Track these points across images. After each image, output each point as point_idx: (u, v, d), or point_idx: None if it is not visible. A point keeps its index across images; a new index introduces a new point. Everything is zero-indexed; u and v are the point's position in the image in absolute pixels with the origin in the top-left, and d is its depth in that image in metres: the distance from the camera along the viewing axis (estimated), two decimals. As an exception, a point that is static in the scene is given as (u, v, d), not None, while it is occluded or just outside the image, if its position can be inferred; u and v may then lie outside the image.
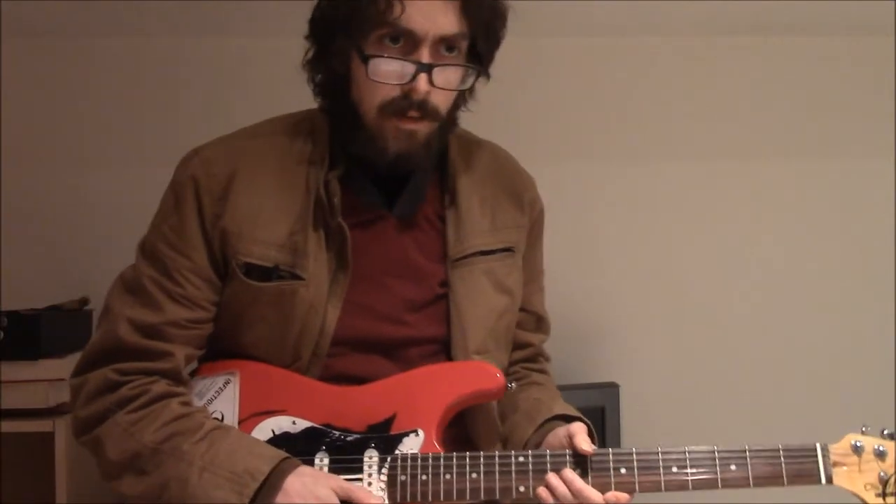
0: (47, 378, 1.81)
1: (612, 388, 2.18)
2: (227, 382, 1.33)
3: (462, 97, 1.35)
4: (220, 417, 1.31)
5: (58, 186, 2.23)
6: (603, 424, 2.13)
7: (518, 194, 1.46)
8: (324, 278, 1.31)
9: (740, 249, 2.36)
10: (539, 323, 1.53)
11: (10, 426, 1.81)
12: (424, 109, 1.26)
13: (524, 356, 1.51)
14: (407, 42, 1.24)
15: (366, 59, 1.24)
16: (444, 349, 1.37)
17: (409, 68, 1.23)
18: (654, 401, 2.32)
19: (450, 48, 1.26)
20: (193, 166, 1.33)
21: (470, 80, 1.31)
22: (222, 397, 1.32)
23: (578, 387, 2.18)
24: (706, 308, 2.35)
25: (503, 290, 1.41)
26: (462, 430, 1.37)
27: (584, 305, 2.31)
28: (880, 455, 1.20)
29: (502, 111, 2.23)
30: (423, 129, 1.28)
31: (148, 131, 2.23)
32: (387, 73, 1.24)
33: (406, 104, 1.25)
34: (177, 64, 2.25)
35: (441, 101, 1.28)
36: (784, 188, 2.37)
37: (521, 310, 1.48)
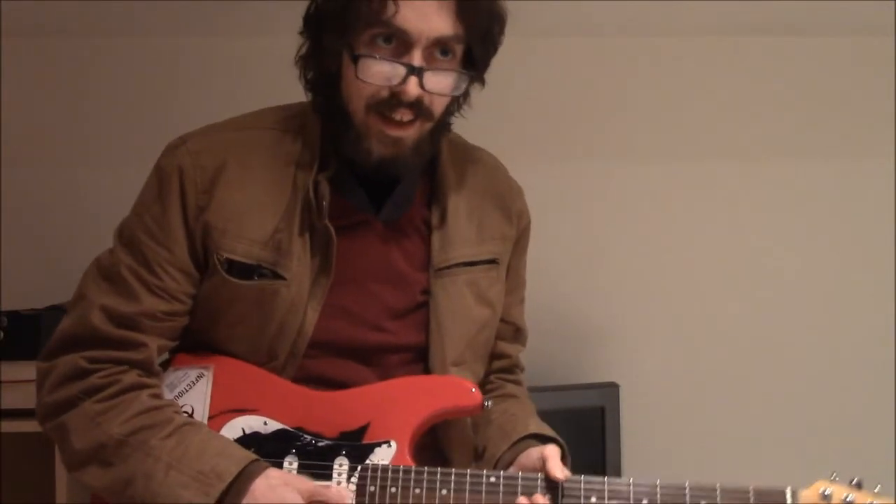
0: (47, 378, 1.81)
1: (612, 388, 2.18)
2: (199, 376, 1.31)
3: (456, 102, 1.32)
4: (189, 411, 1.28)
5: (57, 186, 2.23)
6: (603, 424, 2.13)
7: (507, 205, 1.44)
8: (305, 279, 1.29)
9: (740, 249, 2.36)
10: (517, 334, 1.52)
11: (10, 426, 1.81)
12: (418, 108, 1.23)
13: (500, 367, 1.50)
14: (399, 43, 1.21)
15: (356, 59, 1.22)
16: (421, 358, 1.35)
17: (400, 70, 1.20)
18: (654, 401, 2.32)
19: (444, 51, 1.23)
20: (180, 155, 1.30)
21: (463, 86, 1.27)
22: (194, 391, 1.30)
23: (578, 387, 2.18)
24: (706, 308, 2.35)
25: (485, 303, 1.40)
26: (433, 438, 1.36)
27: (585, 305, 2.31)
28: None
29: (502, 111, 2.23)
30: (411, 134, 1.25)
31: (148, 131, 2.21)
32: (376, 73, 1.21)
33: (394, 102, 1.22)
34: (177, 64, 2.25)
35: (436, 103, 1.25)
36: (784, 188, 2.37)
37: (501, 320, 1.47)
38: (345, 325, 1.32)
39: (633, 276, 2.34)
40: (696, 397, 2.34)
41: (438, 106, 1.26)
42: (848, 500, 1.18)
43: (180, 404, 1.29)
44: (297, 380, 1.31)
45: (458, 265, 1.37)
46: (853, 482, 1.20)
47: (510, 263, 1.46)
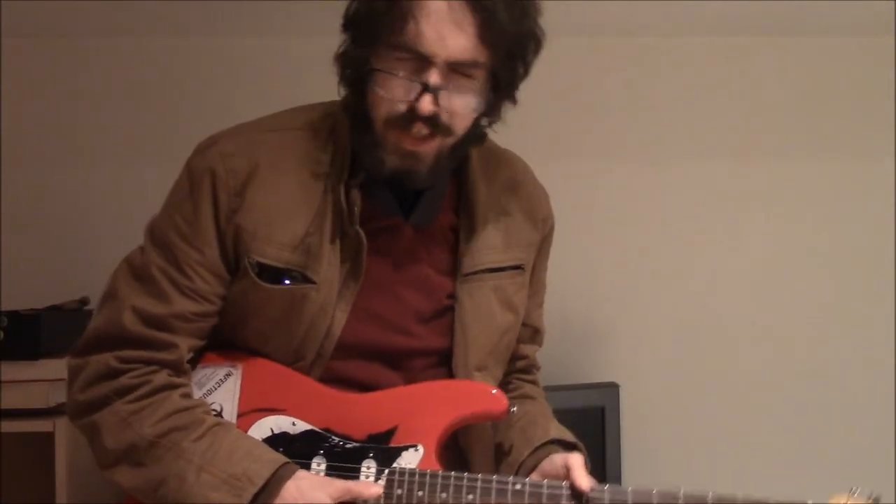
0: (47, 378, 1.81)
1: (612, 388, 2.18)
2: (228, 375, 1.32)
3: (483, 118, 1.31)
4: (218, 410, 1.30)
5: (58, 186, 2.23)
6: (603, 424, 2.13)
7: (533, 211, 1.44)
8: (335, 282, 1.29)
9: (740, 249, 2.36)
10: (535, 335, 1.52)
11: (10, 426, 1.81)
12: (435, 124, 1.22)
13: (519, 367, 1.51)
14: (419, 61, 1.20)
15: (375, 73, 1.22)
16: (444, 362, 1.36)
17: (415, 87, 1.20)
18: (654, 401, 2.32)
19: (465, 73, 1.22)
20: (211, 157, 1.30)
21: (482, 106, 1.26)
22: (222, 389, 1.31)
23: (578, 387, 2.18)
24: (706, 308, 2.35)
25: (509, 308, 1.40)
26: (453, 438, 1.36)
27: (584, 305, 2.31)
28: None
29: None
30: (429, 149, 1.25)
31: (147, 131, 2.23)
32: (392, 88, 1.22)
33: (411, 117, 1.21)
34: (177, 64, 2.25)
35: (456, 121, 1.24)
36: (783, 188, 2.37)
37: (521, 322, 1.47)
38: (372, 329, 1.32)
39: (633, 276, 2.34)
40: (696, 397, 2.34)
41: (459, 123, 1.25)
42: None
43: (209, 402, 1.30)
44: (324, 380, 1.31)
45: (484, 271, 1.37)
46: (870, 496, 1.17)
47: (533, 267, 1.46)
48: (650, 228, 2.35)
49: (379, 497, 1.23)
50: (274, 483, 1.19)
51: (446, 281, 1.36)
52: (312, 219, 1.29)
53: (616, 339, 2.34)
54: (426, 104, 1.20)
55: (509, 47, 1.24)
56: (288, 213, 1.29)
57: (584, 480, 1.22)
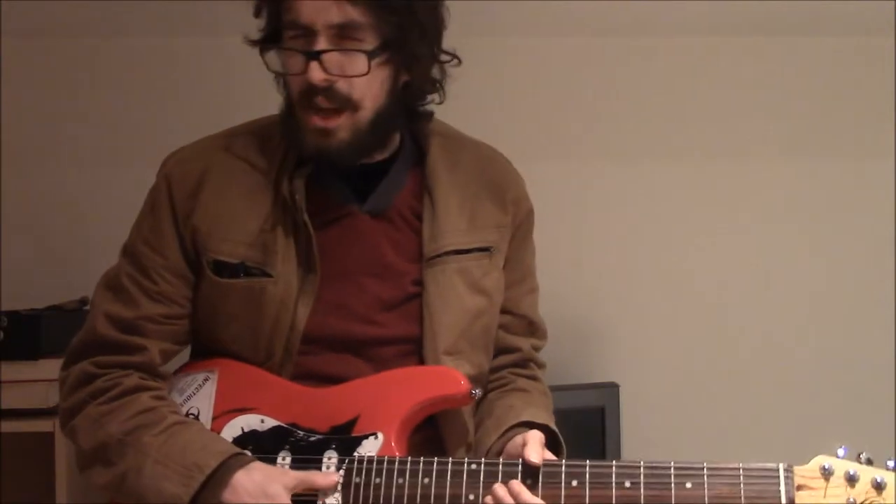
0: (47, 378, 1.81)
1: (612, 388, 2.18)
2: (205, 380, 1.36)
3: (407, 90, 1.32)
4: (196, 414, 1.33)
5: (58, 186, 2.24)
6: (603, 424, 2.13)
7: (501, 193, 1.43)
8: (293, 276, 1.31)
9: (740, 249, 2.36)
10: (530, 327, 1.49)
11: (10, 426, 1.82)
12: (334, 96, 1.25)
13: (511, 361, 1.48)
14: (304, 35, 1.25)
15: (277, 54, 1.28)
16: (416, 349, 1.36)
17: (301, 58, 1.25)
18: (654, 401, 2.32)
19: (351, 36, 1.24)
20: (168, 166, 1.37)
21: (371, 66, 1.24)
22: (200, 394, 1.35)
23: (578, 387, 2.18)
24: (706, 308, 2.35)
25: (479, 291, 1.39)
26: (436, 433, 1.37)
27: (584, 305, 2.31)
28: (851, 480, 1.10)
29: (500, 110, 2.23)
30: (340, 123, 1.26)
31: (148, 131, 2.23)
32: (289, 65, 1.27)
33: (310, 90, 1.25)
34: (176, 64, 2.25)
35: (356, 88, 1.25)
36: (783, 188, 2.37)
37: (509, 312, 1.45)
38: (336, 320, 1.34)
39: (633, 276, 2.34)
40: (697, 397, 2.33)
41: (362, 92, 1.26)
42: (850, 473, 1.10)
43: (188, 407, 1.34)
44: (296, 377, 1.33)
45: (448, 253, 1.37)
46: (860, 456, 1.13)
47: (511, 253, 1.44)
48: (650, 228, 2.35)
49: (336, 485, 1.24)
50: (223, 472, 1.20)
51: (413, 267, 1.37)
52: (266, 215, 1.33)
53: (616, 339, 2.34)
54: (314, 71, 1.23)
55: (388, 4, 1.25)
56: (241, 212, 1.33)
57: (534, 455, 1.21)
